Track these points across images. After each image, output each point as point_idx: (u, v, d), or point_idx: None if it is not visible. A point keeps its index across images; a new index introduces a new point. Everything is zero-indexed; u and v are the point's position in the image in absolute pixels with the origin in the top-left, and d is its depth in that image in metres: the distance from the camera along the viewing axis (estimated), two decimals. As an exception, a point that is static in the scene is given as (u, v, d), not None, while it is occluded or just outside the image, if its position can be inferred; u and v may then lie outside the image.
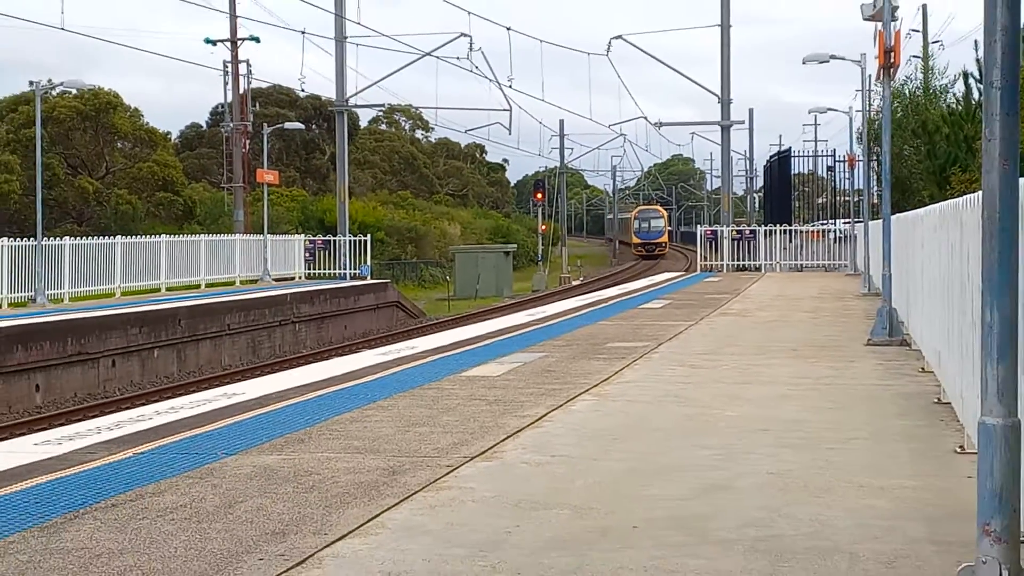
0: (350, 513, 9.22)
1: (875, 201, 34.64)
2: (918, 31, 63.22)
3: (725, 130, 66.72)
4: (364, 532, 8.66)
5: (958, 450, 11.51)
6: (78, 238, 43.54)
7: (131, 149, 67.47)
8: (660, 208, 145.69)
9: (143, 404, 22.38)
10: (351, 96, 64.10)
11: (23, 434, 18.42)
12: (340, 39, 61.57)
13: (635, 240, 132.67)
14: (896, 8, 23.79)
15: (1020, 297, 5.64)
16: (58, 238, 42.20)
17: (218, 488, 10.24)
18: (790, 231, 60.24)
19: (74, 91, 58.76)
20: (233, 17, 58.90)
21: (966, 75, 43.39)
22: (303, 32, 60.01)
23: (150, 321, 34.62)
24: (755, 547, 8.20)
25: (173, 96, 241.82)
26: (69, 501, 9.86)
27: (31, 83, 44.23)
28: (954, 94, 46.54)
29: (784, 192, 76.22)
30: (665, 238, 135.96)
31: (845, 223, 59.00)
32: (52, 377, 29.67)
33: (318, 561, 7.90)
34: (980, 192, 5.93)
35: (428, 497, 9.81)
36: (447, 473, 10.74)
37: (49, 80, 45.73)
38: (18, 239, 39.59)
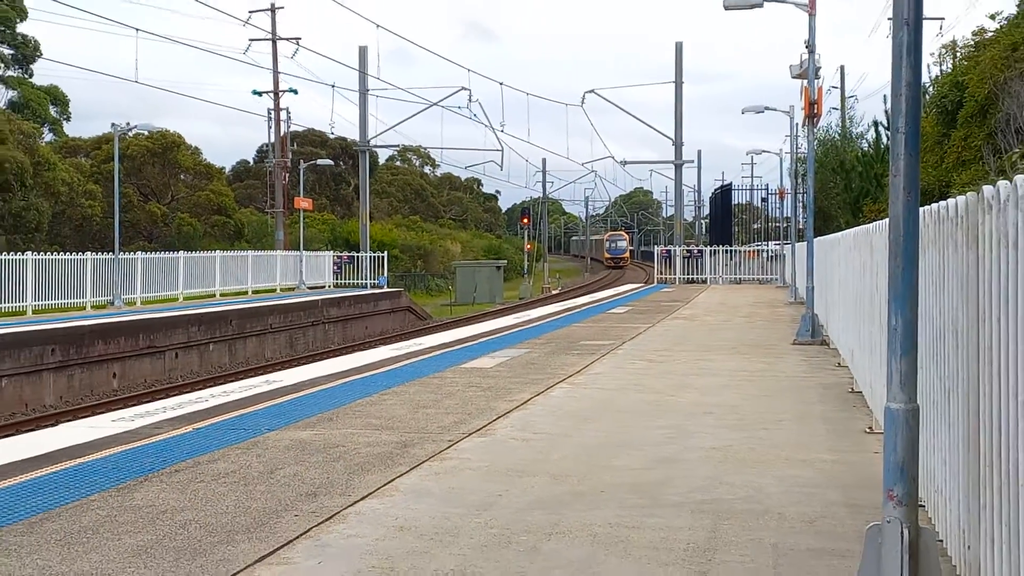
0: (369, 479, 9.23)
1: (801, 226, 34.77)
2: (837, 87, 63.49)
3: (678, 168, 66.95)
4: (381, 494, 8.67)
5: (867, 430, 11.53)
6: (148, 253, 43.45)
7: (191, 180, 67.35)
8: (624, 232, 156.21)
9: (200, 388, 22.33)
10: (372, 138, 64.29)
11: (103, 412, 18.34)
12: (363, 91, 61.67)
13: (606, 256, 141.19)
14: (819, 68, 23.82)
15: (919, 305, 5.65)
16: (132, 253, 42.17)
17: (261, 457, 10.25)
18: (731, 251, 60.47)
19: (146, 132, 58.80)
20: (276, 73, 58.95)
21: (876, 123, 43.61)
22: (333, 86, 60.29)
23: (207, 321, 34.60)
24: (701, 508, 8.21)
25: (226, 137, 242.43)
26: (140, 467, 9.87)
27: (112, 125, 44.41)
28: (866, 139, 46.73)
29: (726, 219, 76.42)
30: (627, 254, 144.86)
31: (775, 244, 59.38)
32: (127, 366, 29.66)
33: (343, 517, 7.92)
34: (887, 219, 5.95)
35: (433, 466, 9.81)
36: (449, 447, 10.75)
37: (126, 123, 45.74)
38: (99, 253, 39.58)
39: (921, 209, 6.08)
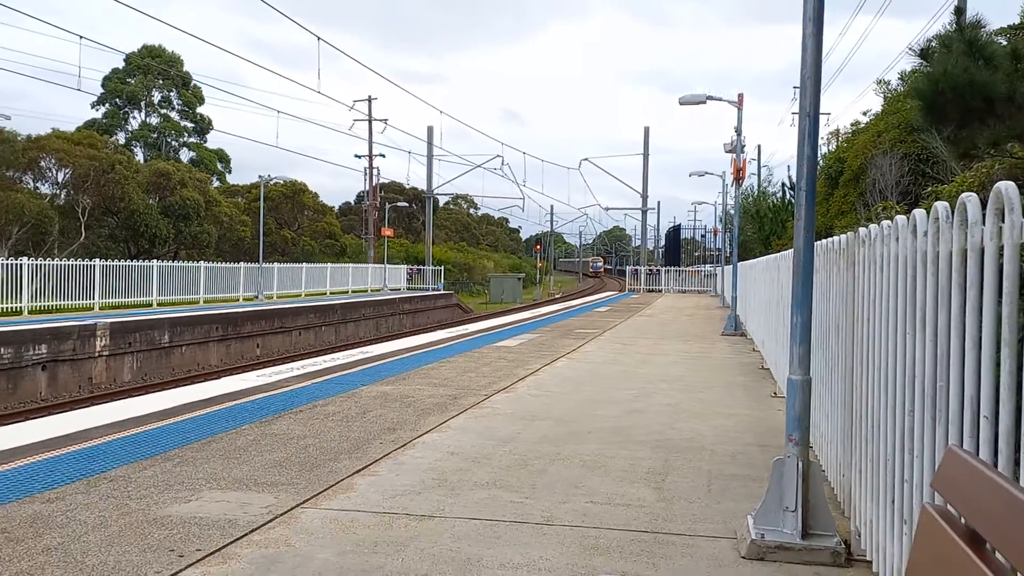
0: (430, 419, 9.24)
1: (728, 255, 34.77)
2: (755, 159, 63.29)
3: (644, 213, 66.66)
4: (438, 430, 8.68)
5: (773, 395, 11.49)
6: (282, 264, 43.64)
7: (312, 215, 67.38)
8: (601, 257, 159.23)
9: (315, 356, 22.40)
10: (435, 188, 64.25)
11: (250, 371, 18.44)
12: (429, 156, 61.87)
13: (590, 271, 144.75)
14: (744, 146, 23.79)
15: (813, 309, 5.66)
16: (271, 264, 42.35)
17: (357, 403, 10.27)
18: (679, 270, 60.55)
19: (282, 181, 58.86)
20: (370, 143, 59.17)
21: (783, 185, 43.33)
22: (409, 152, 62.51)
23: (320, 310, 34.70)
24: (658, 444, 8.19)
25: (336, 186, 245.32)
26: (275, 408, 9.91)
27: (259, 176, 44.88)
28: (776, 195, 46.45)
29: (676, 248, 76.70)
30: (603, 271, 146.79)
31: (710, 266, 59.42)
32: (266, 340, 29.79)
33: (412, 445, 7.93)
34: (791, 250, 5.96)
35: (474, 412, 9.82)
36: (485, 399, 10.75)
37: (268, 175, 46.03)
38: (249, 264, 39.77)
39: (816, 243, 6.08)
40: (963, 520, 1.38)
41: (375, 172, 60.91)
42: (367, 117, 58.88)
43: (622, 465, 7.31)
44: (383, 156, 61.92)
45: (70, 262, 28.12)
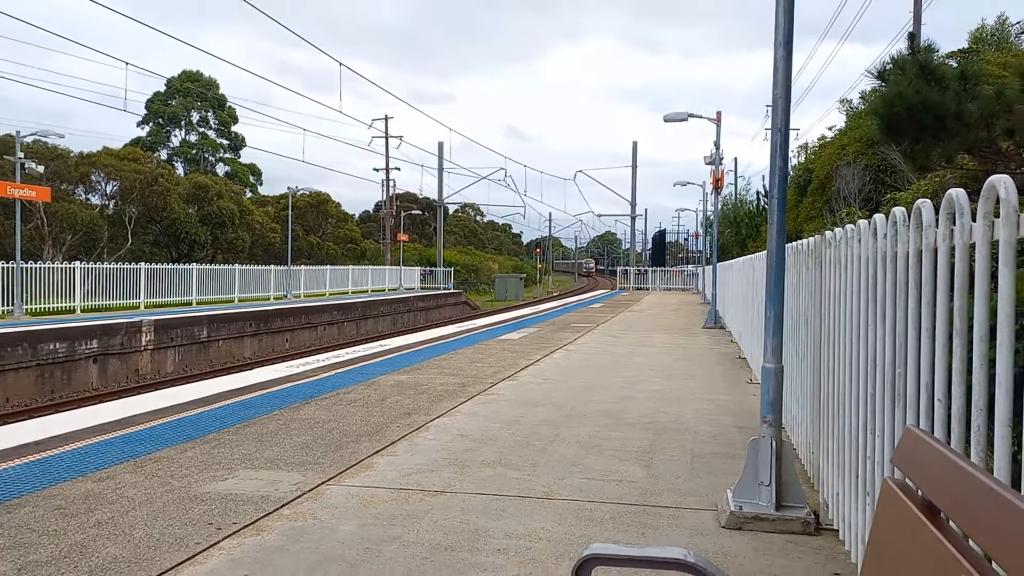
0: (442, 405, 9.24)
1: (708, 256, 34.75)
2: (732, 170, 63.23)
3: (633, 219, 66.75)
4: (449, 415, 8.67)
5: (749, 381, 11.48)
6: (308, 266, 43.61)
7: (335, 222, 67.24)
8: (593, 259, 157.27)
9: (338, 349, 22.41)
10: (445, 198, 64.25)
11: (279, 362, 18.45)
12: (440, 169, 61.77)
13: (582, 271, 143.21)
14: (722, 159, 23.74)
15: (784, 304, 5.64)
16: (298, 266, 42.31)
17: (376, 391, 10.27)
18: (664, 270, 60.41)
19: (308, 192, 58.80)
20: (387, 157, 59.10)
21: (758, 193, 43.41)
22: (422, 165, 62.71)
23: (343, 308, 34.69)
24: (646, 426, 8.19)
25: (356, 196, 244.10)
26: (302, 395, 9.90)
27: (287, 188, 44.91)
28: (751, 202, 46.39)
29: (661, 250, 76.46)
30: (594, 271, 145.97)
31: (692, 266, 59.28)
32: (294, 335, 29.77)
33: (426, 428, 7.92)
34: (765, 251, 5.95)
35: (481, 398, 9.82)
36: (490, 387, 10.75)
37: (296, 187, 46.00)
38: (279, 266, 39.76)
39: (787, 245, 6.08)
40: (920, 492, 1.38)
41: (391, 184, 61.01)
42: (384, 134, 58.89)
43: (614, 445, 7.30)
44: (398, 169, 62.42)
45: (118, 266, 28.15)
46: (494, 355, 14.63)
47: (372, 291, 47.58)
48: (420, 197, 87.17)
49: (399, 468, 6.36)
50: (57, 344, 19.12)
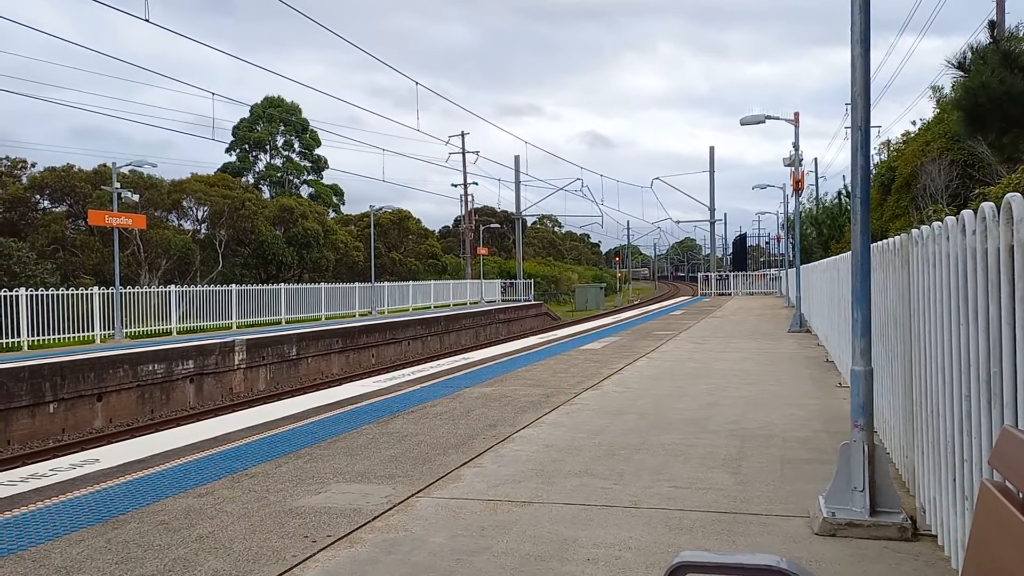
0: (526, 416, 9.26)
1: (791, 259, 34.09)
2: (812, 171, 62.00)
3: (712, 224, 66.10)
4: (533, 425, 8.69)
5: (838, 385, 11.21)
6: (391, 283, 44.26)
7: (416, 238, 68.08)
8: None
9: (423, 363, 22.67)
10: (523, 210, 64.55)
11: (367, 378, 18.74)
12: (517, 182, 62.07)
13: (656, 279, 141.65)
14: (801, 160, 23.34)
15: (871, 305, 5.52)
16: (382, 283, 42.95)
17: (461, 403, 10.36)
18: (746, 274, 59.53)
19: (389, 210, 59.92)
20: (465, 173, 59.76)
21: (840, 193, 42.35)
22: (499, 180, 62.48)
23: (426, 322, 35.09)
24: (733, 433, 8.07)
25: (437, 211, 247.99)
26: (390, 410, 10.05)
27: (370, 207, 45.75)
28: (832, 203, 45.35)
29: (742, 254, 75.27)
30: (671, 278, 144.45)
31: (774, 270, 58.18)
32: (380, 350, 30.24)
33: (512, 439, 7.96)
34: (849, 252, 5.83)
35: (565, 408, 9.81)
36: (574, 396, 10.74)
37: (377, 205, 46.88)
38: (363, 283, 40.45)
39: (872, 245, 5.94)
40: (1020, 494, 1.34)
41: (470, 199, 61.62)
42: (461, 150, 59.51)
43: (701, 453, 7.21)
44: (476, 184, 62.43)
45: (210, 288, 29.05)
46: (576, 365, 14.61)
47: (454, 305, 48.00)
48: (498, 211, 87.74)
49: (486, 479, 6.40)
50: (156, 365, 19.82)
